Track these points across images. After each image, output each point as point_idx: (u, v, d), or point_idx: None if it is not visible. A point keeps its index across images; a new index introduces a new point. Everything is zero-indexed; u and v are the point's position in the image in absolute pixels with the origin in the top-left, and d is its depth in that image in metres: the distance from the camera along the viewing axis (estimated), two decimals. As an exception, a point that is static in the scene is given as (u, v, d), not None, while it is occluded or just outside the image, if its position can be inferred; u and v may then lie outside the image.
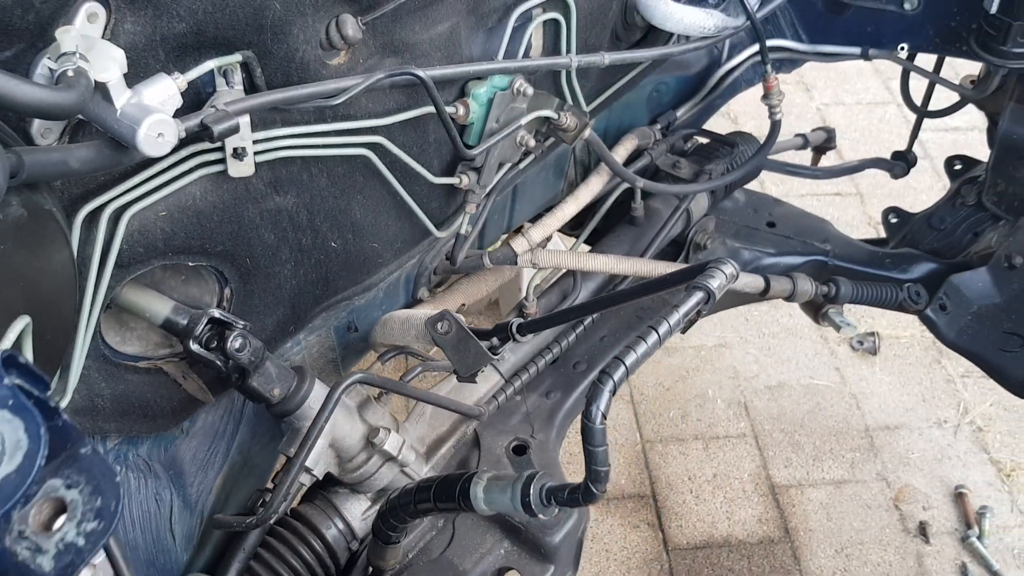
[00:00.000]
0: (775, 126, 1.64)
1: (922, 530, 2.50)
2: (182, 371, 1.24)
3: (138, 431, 1.20)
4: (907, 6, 1.66)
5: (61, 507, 0.48)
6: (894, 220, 2.10)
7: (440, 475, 1.03)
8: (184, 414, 1.25)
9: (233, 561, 1.21)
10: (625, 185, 1.66)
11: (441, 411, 1.43)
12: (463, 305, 1.56)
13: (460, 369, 1.19)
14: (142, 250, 1.07)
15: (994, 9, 1.51)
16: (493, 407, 1.47)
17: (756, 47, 1.83)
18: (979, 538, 2.47)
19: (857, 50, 1.75)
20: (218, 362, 1.17)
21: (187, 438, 1.29)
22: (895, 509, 2.56)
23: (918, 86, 1.99)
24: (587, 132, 1.38)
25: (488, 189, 1.38)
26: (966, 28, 1.61)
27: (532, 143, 1.34)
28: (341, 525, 1.33)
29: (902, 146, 2.15)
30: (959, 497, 2.57)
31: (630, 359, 0.88)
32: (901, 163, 2.12)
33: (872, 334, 2.94)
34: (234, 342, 1.17)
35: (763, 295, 1.57)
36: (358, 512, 1.34)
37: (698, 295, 0.94)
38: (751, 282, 1.55)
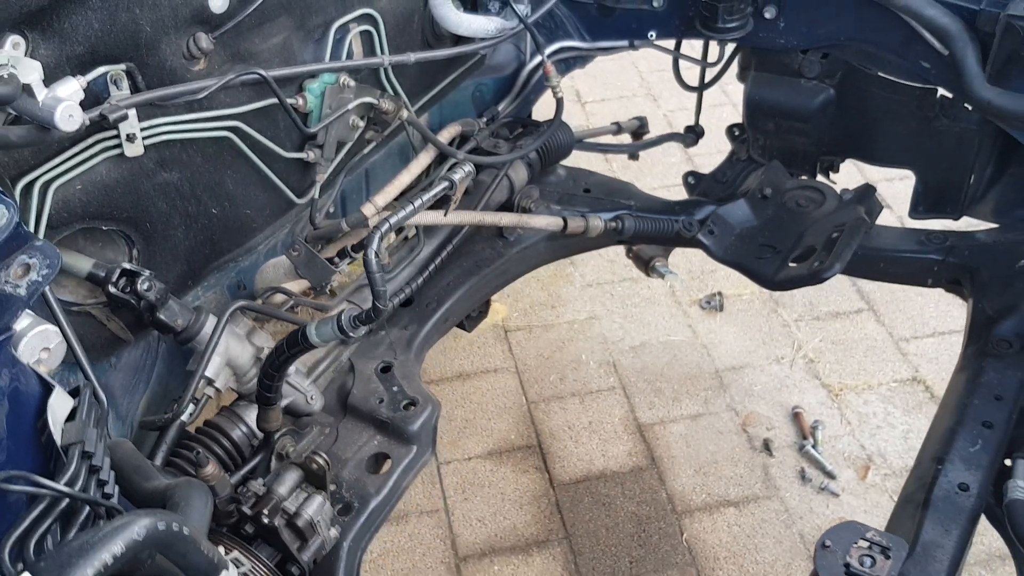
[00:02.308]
0: (559, 103, 2.11)
1: (766, 446, 2.95)
2: (106, 315, 1.63)
3: (70, 362, 1.58)
4: (655, 4, 2.15)
5: (28, 267, 0.88)
6: (692, 181, 2.58)
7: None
8: (111, 351, 1.64)
9: (157, 451, 1.58)
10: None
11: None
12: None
13: (312, 280, 1.61)
14: (66, 215, 1.47)
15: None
16: (361, 333, 1.88)
17: (554, 47, 2.30)
18: (814, 447, 2.93)
19: (626, 43, 2.24)
20: (132, 301, 1.57)
21: (115, 371, 1.67)
22: (743, 432, 3.01)
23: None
24: (404, 113, 1.83)
25: (334, 164, 1.81)
26: (696, 14, 2.10)
27: (362, 124, 1.78)
28: (244, 428, 1.71)
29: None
30: (796, 416, 3.03)
31: (393, 219, 1.29)
32: (691, 135, 2.61)
33: (718, 294, 3.42)
34: (143, 284, 1.57)
35: (563, 232, 2.02)
36: (253, 415, 1.73)
37: (443, 184, 1.37)
38: (552, 222, 2.00)
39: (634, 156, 2.84)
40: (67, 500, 0.85)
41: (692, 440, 2.99)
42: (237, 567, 0.87)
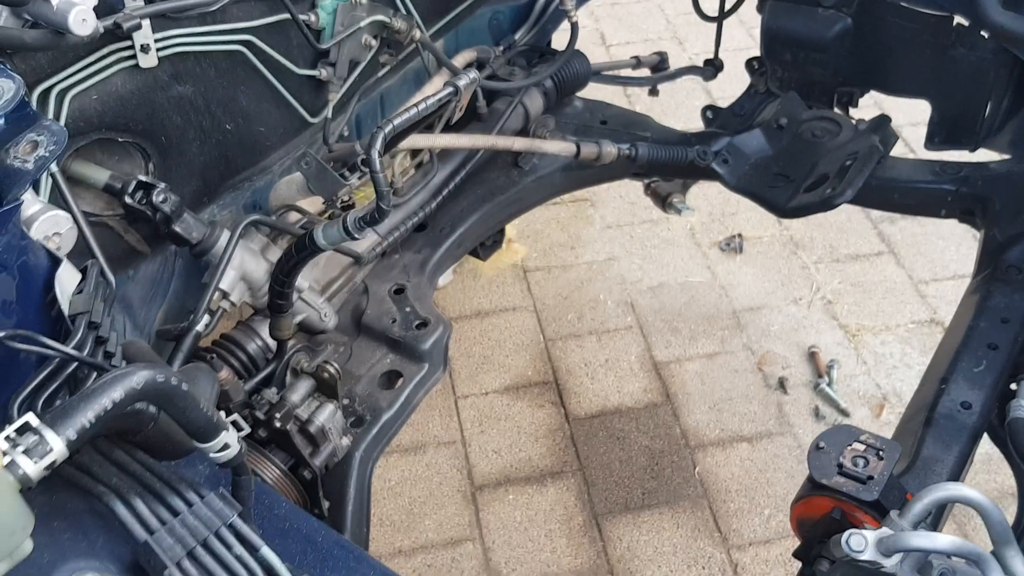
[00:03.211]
0: (574, 29, 2.11)
1: (781, 384, 2.97)
2: (123, 227, 1.67)
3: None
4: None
5: (36, 144, 0.92)
6: (710, 115, 2.57)
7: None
8: (129, 263, 1.69)
9: (173, 360, 1.63)
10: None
11: (333, 259, 1.88)
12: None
13: (322, 193, 1.64)
14: (82, 124, 1.50)
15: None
16: (373, 254, 1.91)
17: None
18: (829, 385, 2.93)
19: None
20: (148, 213, 1.61)
21: (133, 283, 1.72)
22: (759, 371, 3.03)
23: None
24: (417, 33, 1.84)
25: (347, 84, 1.83)
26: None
27: (375, 44, 1.79)
28: (259, 341, 1.76)
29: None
30: (812, 355, 3.04)
31: (397, 120, 1.31)
32: (711, 68, 2.60)
33: (737, 235, 3.42)
34: (158, 196, 1.60)
35: (577, 156, 2.03)
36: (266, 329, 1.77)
37: (448, 89, 1.38)
38: (565, 147, 2.01)
39: (654, 91, 2.82)
40: (74, 364, 0.89)
41: (707, 378, 3.01)
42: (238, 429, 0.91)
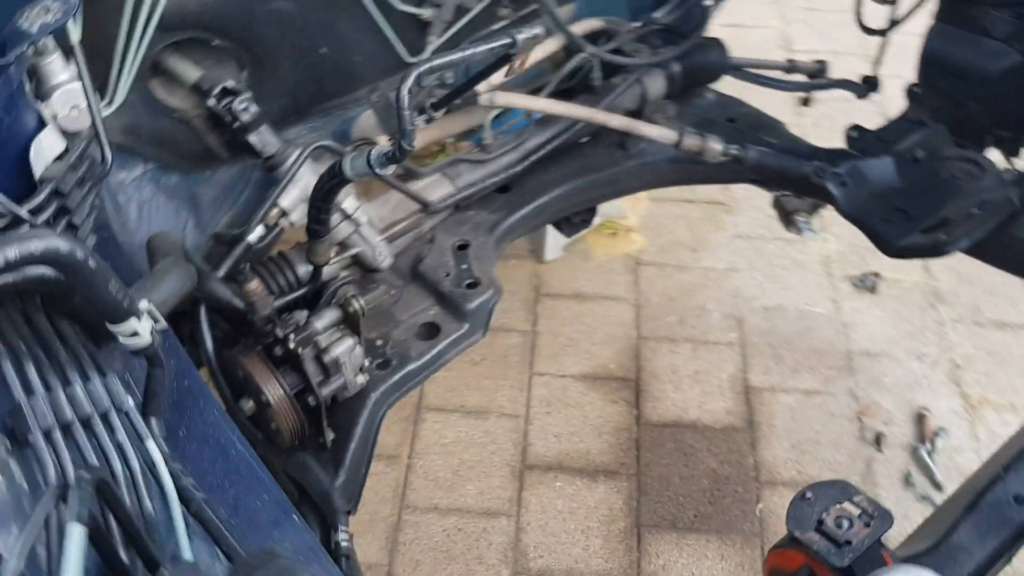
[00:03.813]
0: (705, 11, 1.99)
1: (877, 440, 2.74)
2: (205, 128, 1.72)
3: (168, 163, 1.69)
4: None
5: (47, 10, 0.94)
6: (854, 135, 2.37)
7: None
8: (207, 164, 1.73)
9: (222, 264, 1.66)
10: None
11: (403, 202, 1.86)
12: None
13: (387, 129, 1.62)
14: (179, 19, 1.54)
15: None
16: (444, 204, 1.88)
17: (723, -39, 2.17)
18: (929, 454, 2.69)
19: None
20: (228, 118, 1.64)
21: (207, 185, 1.77)
22: (857, 421, 2.81)
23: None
24: (527, -12, 1.78)
25: (453, 29, 1.80)
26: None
27: (483, -11, 1.75)
28: (309, 267, 1.77)
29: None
30: (920, 418, 2.79)
31: (436, 61, 1.26)
32: (865, 86, 2.39)
33: (874, 274, 3.18)
34: (239, 104, 1.63)
35: (677, 146, 1.92)
36: (322, 257, 1.78)
37: (504, 40, 1.32)
38: (665, 134, 1.90)
39: (806, 101, 2.64)
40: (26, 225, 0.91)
41: (799, 415, 2.82)
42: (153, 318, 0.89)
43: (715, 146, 1.93)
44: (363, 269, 1.84)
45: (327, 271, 1.79)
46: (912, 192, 1.97)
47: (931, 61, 2.03)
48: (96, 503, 0.74)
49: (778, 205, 2.54)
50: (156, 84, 1.64)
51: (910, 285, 3.18)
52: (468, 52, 1.31)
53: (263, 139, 1.67)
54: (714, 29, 2.59)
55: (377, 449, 2.71)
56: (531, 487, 2.64)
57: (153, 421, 0.91)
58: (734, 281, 3.22)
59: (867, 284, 3.16)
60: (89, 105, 1.05)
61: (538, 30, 1.34)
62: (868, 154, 2.19)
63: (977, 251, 1.84)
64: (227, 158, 1.75)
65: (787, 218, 2.50)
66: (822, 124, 3.50)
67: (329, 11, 1.67)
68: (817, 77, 2.58)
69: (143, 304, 0.89)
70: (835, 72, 2.56)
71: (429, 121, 1.71)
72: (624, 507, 2.60)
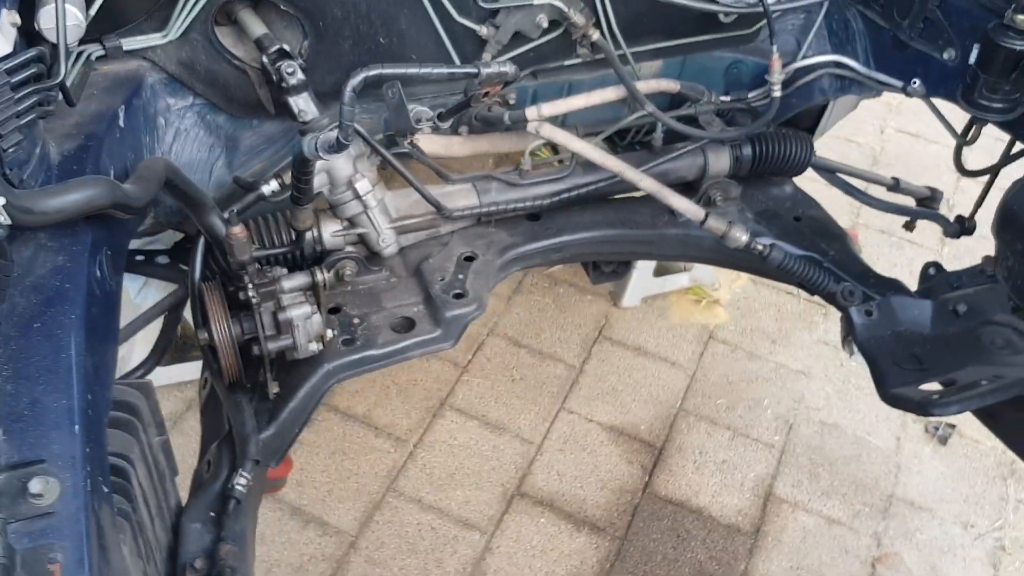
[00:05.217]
0: (773, 102, 1.93)
1: (882, 594, 2.56)
2: (259, 80, 1.86)
3: (218, 102, 1.84)
4: (946, 55, 1.86)
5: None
6: (931, 272, 2.22)
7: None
8: (252, 112, 1.87)
9: (232, 204, 1.79)
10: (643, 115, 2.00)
11: (423, 201, 1.94)
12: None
13: (393, 126, 1.69)
14: (250, -27, 1.69)
15: (972, 60, 1.69)
16: (460, 214, 1.94)
17: (831, 56, 2.09)
18: (933, 628, 2.48)
19: (900, 84, 1.96)
20: (275, 76, 1.77)
21: (250, 132, 1.91)
22: (871, 566, 2.63)
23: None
24: (594, 34, 1.80)
25: (509, 54, 1.85)
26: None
27: (545, 25, 1.79)
28: (315, 231, 1.87)
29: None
30: (938, 588, 2.58)
31: (388, 70, 1.32)
32: (957, 226, 2.23)
33: (951, 426, 2.95)
34: (287, 67, 1.76)
35: (701, 225, 1.87)
36: (330, 228, 1.88)
37: (470, 68, 1.35)
38: (691, 209, 1.87)
39: (910, 225, 2.48)
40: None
41: (811, 539, 2.67)
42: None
43: (739, 236, 1.87)
44: (366, 248, 1.93)
45: (332, 242, 1.89)
46: (937, 343, 1.83)
47: (1009, 217, 1.86)
48: None
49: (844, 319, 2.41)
50: (225, 31, 1.79)
51: (987, 450, 2.92)
52: (425, 69, 1.36)
53: (302, 105, 1.78)
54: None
55: (388, 429, 2.83)
56: (515, 513, 2.66)
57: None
58: (801, 385, 3.08)
59: (940, 434, 2.93)
60: (57, 23, 1.18)
61: (507, 68, 1.37)
62: (920, 294, 2.05)
63: (988, 419, 1.69)
64: (273, 114, 1.88)
65: (844, 335, 2.37)
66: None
67: (392, 5, 1.77)
68: (926, 204, 2.43)
69: (-1, 201, 1.00)
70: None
71: (435, 130, 1.77)
72: (597, 566, 2.57)
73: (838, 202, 2.29)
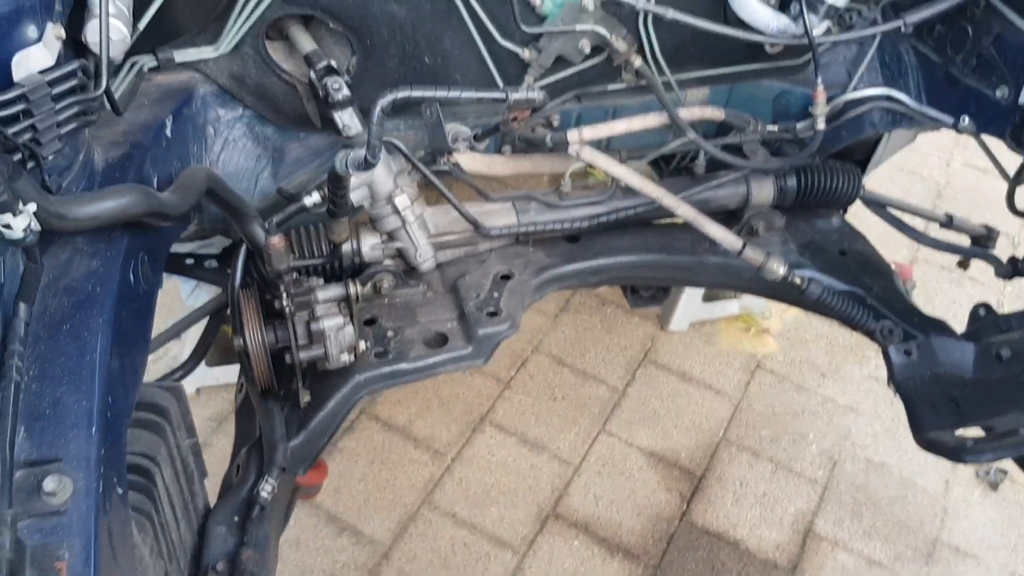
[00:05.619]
0: (817, 135, 1.90)
1: (921, 641, 2.48)
2: (307, 95, 1.91)
3: (266, 114, 1.89)
4: (999, 93, 1.81)
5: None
6: (981, 313, 2.16)
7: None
8: (299, 124, 1.92)
9: (273, 215, 1.84)
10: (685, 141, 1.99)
11: (462, 220, 1.96)
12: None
13: (429, 143, 1.72)
14: (300, -3, 1.74)
15: (1022, 100, 1.64)
16: (498, 232, 1.95)
17: (882, 89, 2.05)
18: None
19: (951, 120, 1.92)
20: (321, 92, 1.82)
21: (297, 144, 1.95)
22: (910, 612, 2.56)
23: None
24: (637, 61, 1.81)
25: (550, 78, 1.86)
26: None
27: (587, 51, 1.80)
28: (354, 243, 1.91)
29: None
30: (981, 639, 2.49)
31: (416, 91, 1.34)
32: (1009, 267, 2.16)
33: (1003, 471, 2.85)
34: (334, 83, 1.80)
35: (739, 254, 1.86)
36: (370, 241, 1.92)
37: (498, 93, 1.37)
38: (728, 238, 1.85)
39: (964, 263, 2.42)
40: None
41: (849, 579, 2.61)
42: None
43: (777, 268, 1.85)
44: (404, 262, 1.96)
45: (371, 255, 1.93)
46: (977, 388, 1.78)
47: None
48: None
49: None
50: (276, 46, 1.85)
51: (1043, 498, 2.82)
52: (454, 92, 1.38)
53: (347, 120, 1.82)
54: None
55: (427, 441, 2.85)
56: (549, 535, 2.66)
57: (21, 305, 1.09)
58: (849, 421, 3.01)
59: (992, 478, 2.84)
60: (100, 37, 1.23)
61: (535, 94, 1.38)
62: (967, 336, 2.00)
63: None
64: (319, 127, 1.92)
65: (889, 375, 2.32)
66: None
67: (437, 26, 1.80)
68: (981, 243, 2.36)
69: (29, 207, 1.05)
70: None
71: (472, 149, 1.79)
72: (625, 591, 2.55)
73: (897, 236, 2.24)
